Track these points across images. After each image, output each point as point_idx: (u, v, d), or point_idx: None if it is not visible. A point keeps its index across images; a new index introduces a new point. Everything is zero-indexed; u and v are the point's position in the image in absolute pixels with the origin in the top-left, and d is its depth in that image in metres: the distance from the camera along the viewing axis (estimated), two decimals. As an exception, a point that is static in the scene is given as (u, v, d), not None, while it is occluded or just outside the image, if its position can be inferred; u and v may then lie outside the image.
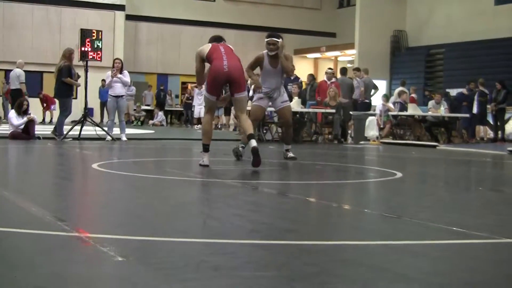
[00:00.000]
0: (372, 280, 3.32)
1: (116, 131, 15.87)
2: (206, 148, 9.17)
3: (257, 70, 11.05)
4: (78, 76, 15.95)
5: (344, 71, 20.89)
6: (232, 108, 25.31)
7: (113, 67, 15.89)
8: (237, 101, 9.41)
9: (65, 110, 15.40)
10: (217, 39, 9.53)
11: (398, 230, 4.74)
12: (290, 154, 10.88)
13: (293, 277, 3.31)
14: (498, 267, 3.69)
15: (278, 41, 10.49)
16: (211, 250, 3.87)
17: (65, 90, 15.37)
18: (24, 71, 20.00)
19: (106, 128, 15.84)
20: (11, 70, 29.20)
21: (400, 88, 22.13)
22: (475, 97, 20.63)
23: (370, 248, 4.06)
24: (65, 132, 15.27)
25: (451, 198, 7.02)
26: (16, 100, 17.38)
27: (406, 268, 3.54)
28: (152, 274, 3.28)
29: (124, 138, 15.60)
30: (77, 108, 21.66)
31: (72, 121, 17.68)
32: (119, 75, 15.70)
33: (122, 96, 15.95)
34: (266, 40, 10.64)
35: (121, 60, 16.44)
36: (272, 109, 12.49)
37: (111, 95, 15.90)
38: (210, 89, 9.21)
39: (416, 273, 3.43)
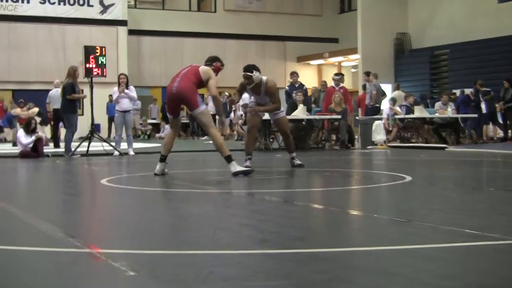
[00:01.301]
0: (384, 285, 3.30)
1: (123, 145, 15.91)
2: (161, 158, 9.74)
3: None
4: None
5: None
6: (233, 118, 25.46)
7: (119, 82, 15.96)
8: (196, 118, 10.05)
9: (71, 127, 15.48)
10: (208, 60, 10.10)
11: (408, 234, 4.72)
12: (297, 162, 10.86)
13: (304, 285, 3.30)
14: (511, 269, 3.68)
15: (251, 75, 10.45)
16: (220, 261, 3.87)
17: (69, 107, 15.45)
18: (29, 90, 20.14)
19: (113, 143, 15.89)
20: (18, 90, 29.59)
21: (396, 92, 22.24)
22: (481, 98, 20.58)
23: (381, 253, 4.05)
24: (73, 149, 15.34)
25: (462, 200, 6.98)
26: (60, 119, 17.73)
27: (418, 272, 3.52)
28: (163, 287, 3.28)
29: (131, 153, 15.64)
30: (84, 124, 21.71)
31: (80, 138, 17.73)
32: (126, 91, 15.77)
33: (129, 111, 16.02)
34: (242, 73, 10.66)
35: (126, 75, 16.49)
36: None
37: (118, 111, 15.97)
38: (167, 107, 10.10)
39: (429, 277, 3.41)
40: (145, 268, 3.69)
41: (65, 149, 15.42)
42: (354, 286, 3.30)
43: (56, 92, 19.15)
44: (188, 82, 9.55)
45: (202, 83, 9.64)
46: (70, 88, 15.34)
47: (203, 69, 9.71)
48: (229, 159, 9.31)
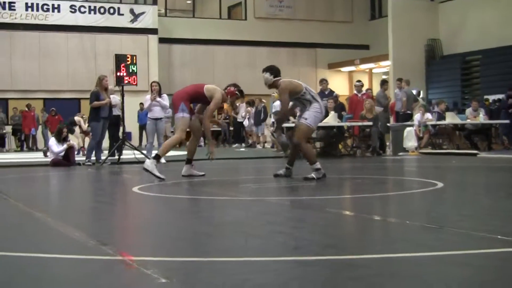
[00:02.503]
0: (418, 292, 3.28)
1: (155, 153, 15.97)
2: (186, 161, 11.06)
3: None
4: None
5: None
6: (266, 125, 25.47)
7: (151, 90, 16.06)
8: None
9: (94, 135, 15.56)
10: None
11: (440, 241, 4.68)
12: (311, 176, 9.93)
13: (338, 292, 3.29)
14: (545, 274, 3.63)
15: (264, 76, 10.28)
16: (254, 268, 3.87)
17: (93, 115, 15.56)
18: (61, 98, 20.26)
19: (145, 151, 15.96)
20: (49, 99, 29.86)
21: (420, 101, 22.07)
22: None
23: (414, 260, 4.02)
24: (103, 158, 15.47)
25: (494, 206, 6.90)
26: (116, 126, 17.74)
27: (451, 278, 3.50)
28: (196, 294, 3.30)
29: (163, 161, 15.67)
30: (115, 132, 21.84)
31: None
32: (158, 99, 15.86)
33: (161, 118, 16.11)
34: None
35: (158, 83, 16.58)
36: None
37: (150, 118, 16.07)
38: None
39: (461, 284, 3.39)
40: (178, 276, 3.69)
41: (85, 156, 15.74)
42: (388, 293, 3.29)
43: (114, 100, 19.24)
44: (182, 91, 10.64)
45: (202, 97, 10.51)
46: (93, 97, 15.44)
47: (208, 87, 10.51)
48: (156, 157, 10.51)
